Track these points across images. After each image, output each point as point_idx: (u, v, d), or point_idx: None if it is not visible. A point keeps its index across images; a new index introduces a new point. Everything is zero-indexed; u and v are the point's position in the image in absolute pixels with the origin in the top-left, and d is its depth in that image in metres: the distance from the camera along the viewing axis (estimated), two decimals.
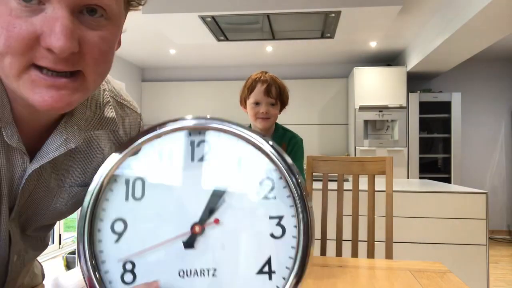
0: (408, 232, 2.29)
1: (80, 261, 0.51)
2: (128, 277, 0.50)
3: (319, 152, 4.93)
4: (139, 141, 0.53)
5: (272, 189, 0.50)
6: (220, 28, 3.23)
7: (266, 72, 1.39)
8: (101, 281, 0.50)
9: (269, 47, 4.33)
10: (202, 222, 0.50)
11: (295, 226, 0.49)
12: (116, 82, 0.72)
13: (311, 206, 0.50)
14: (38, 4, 0.44)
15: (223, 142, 0.52)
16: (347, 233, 1.44)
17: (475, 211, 2.23)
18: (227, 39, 3.53)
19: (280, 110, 1.39)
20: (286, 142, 1.38)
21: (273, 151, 0.50)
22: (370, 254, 1.35)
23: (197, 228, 0.50)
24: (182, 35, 3.47)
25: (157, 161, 0.53)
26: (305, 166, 1.52)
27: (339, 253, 1.41)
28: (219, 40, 3.54)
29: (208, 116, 0.53)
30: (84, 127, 0.60)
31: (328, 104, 5.03)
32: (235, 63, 5.15)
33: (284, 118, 1.48)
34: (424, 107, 4.38)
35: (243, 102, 1.42)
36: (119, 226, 0.51)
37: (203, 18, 2.98)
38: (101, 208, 0.52)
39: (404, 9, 3.17)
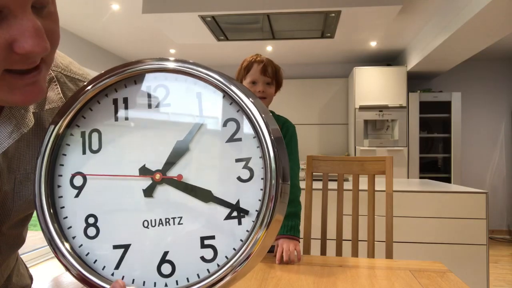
0: (408, 232, 2.29)
1: (39, 220, 0.49)
2: (92, 231, 0.49)
3: (319, 152, 4.93)
4: (89, 89, 0.50)
5: (237, 130, 0.48)
6: (220, 28, 3.23)
7: (260, 55, 1.43)
8: (63, 236, 0.49)
9: (269, 46, 4.33)
10: (164, 172, 0.48)
11: (263, 168, 0.47)
12: (63, 55, 0.69)
13: (279, 143, 0.47)
14: None
15: (181, 85, 0.50)
16: (347, 233, 1.44)
17: (475, 211, 2.23)
18: (227, 39, 3.53)
19: (275, 91, 1.42)
20: (280, 125, 1.37)
21: (236, 90, 0.47)
22: (370, 253, 1.35)
23: (157, 176, 0.48)
24: (182, 35, 3.47)
25: (111, 110, 0.51)
26: (304, 166, 1.52)
27: (339, 252, 1.41)
28: (219, 40, 3.54)
29: (165, 58, 0.50)
30: (32, 108, 0.57)
31: (328, 104, 5.03)
32: (235, 63, 5.13)
33: None
34: (424, 107, 4.39)
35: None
36: (78, 181, 0.50)
37: (203, 18, 2.98)
38: (59, 164, 0.51)
39: (404, 9, 3.17)
